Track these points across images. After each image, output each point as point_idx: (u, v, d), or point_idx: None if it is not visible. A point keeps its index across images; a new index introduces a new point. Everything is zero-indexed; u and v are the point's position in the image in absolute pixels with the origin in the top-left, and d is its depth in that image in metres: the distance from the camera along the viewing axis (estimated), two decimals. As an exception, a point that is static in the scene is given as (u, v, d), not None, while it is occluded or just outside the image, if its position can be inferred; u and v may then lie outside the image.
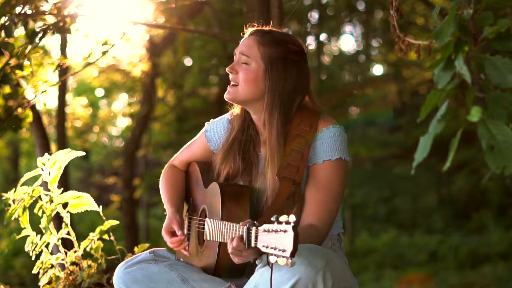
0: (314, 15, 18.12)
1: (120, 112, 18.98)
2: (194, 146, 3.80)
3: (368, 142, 21.02)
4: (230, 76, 3.39)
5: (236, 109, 3.56)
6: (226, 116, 3.67)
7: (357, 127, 21.30)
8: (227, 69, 3.39)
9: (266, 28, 3.47)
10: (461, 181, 16.98)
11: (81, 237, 4.28)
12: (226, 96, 3.42)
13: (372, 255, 15.50)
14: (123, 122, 20.04)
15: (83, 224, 16.88)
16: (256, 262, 3.01)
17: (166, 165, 3.87)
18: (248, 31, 3.46)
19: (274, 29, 3.51)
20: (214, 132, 3.68)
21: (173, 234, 3.47)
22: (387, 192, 19.41)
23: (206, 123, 3.76)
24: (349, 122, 21.09)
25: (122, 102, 20.75)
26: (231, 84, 3.39)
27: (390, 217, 18.36)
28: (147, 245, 4.20)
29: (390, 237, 16.59)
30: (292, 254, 2.56)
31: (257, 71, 3.34)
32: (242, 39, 3.45)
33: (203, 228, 3.44)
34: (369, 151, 20.30)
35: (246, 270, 3.29)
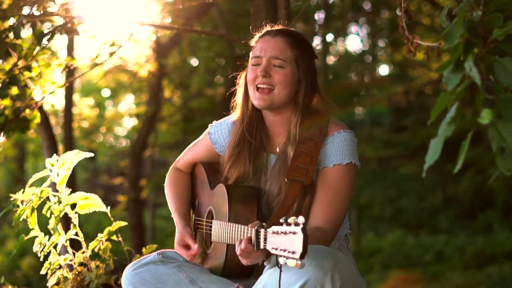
0: (320, 16, 18.13)
1: (127, 113, 18.98)
2: (198, 148, 3.79)
3: (374, 142, 21.02)
4: (260, 79, 3.32)
5: (237, 112, 3.56)
6: (230, 117, 3.66)
7: (363, 127, 21.30)
8: (260, 73, 3.31)
9: (282, 28, 3.46)
10: (467, 181, 16.97)
11: (87, 238, 4.28)
12: (260, 104, 3.35)
13: (378, 255, 15.49)
14: (130, 123, 20.06)
15: (89, 224, 16.91)
16: (265, 263, 3.01)
17: (170, 169, 3.86)
18: (269, 32, 3.42)
19: (289, 28, 3.51)
20: (219, 134, 3.68)
21: (186, 247, 3.46)
22: (393, 192, 19.39)
23: (209, 125, 3.75)
24: (355, 123, 21.10)
25: (128, 103, 20.78)
26: (263, 88, 3.32)
27: (396, 217, 18.34)
28: (155, 246, 4.20)
29: (396, 237, 16.58)
30: (302, 256, 2.56)
31: (293, 73, 3.33)
32: (262, 40, 3.40)
33: (210, 230, 3.44)
34: (375, 151, 20.29)
35: (254, 271, 3.29)
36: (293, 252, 2.58)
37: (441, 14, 2.55)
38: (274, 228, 2.69)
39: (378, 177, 20.41)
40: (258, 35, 3.47)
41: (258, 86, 3.34)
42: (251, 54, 3.45)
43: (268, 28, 3.47)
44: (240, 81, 3.52)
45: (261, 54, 3.35)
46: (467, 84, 2.11)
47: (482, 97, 2.08)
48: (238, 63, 3.64)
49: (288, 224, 2.62)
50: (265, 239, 2.74)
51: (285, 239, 2.62)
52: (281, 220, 2.65)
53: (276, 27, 3.47)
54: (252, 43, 3.48)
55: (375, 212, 18.75)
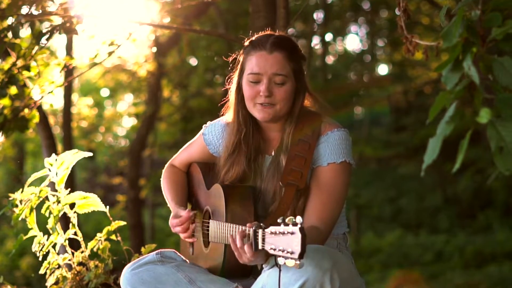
0: (319, 15, 18.12)
1: (126, 112, 18.97)
2: (193, 148, 3.79)
3: (374, 142, 21.03)
4: (263, 98, 3.30)
5: (230, 116, 3.54)
6: (224, 118, 3.65)
7: (362, 127, 21.30)
8: (263, 93, 3.28)
9: (273, 37, 3.39)
10: (467, 180, 16.96)
11: (87, 237, 4.28)
12: (264, 117, 3.34)
13: (377, 255, 15.48)
14: (129, 122, 20.06)
15: (89, 224, 16.90)
16: (263, 265, 3.01)
17: (167, 165, 3.86)
18: (262, 45, 3.35)
19: (281, 34, 3.47)
20: (213, 135, 3.68)
21: (179, 217, 3.44)
22: (393, 192, 19.39)
23: (203, 126, 3.74)
24: (354, 123, 21.10)
25: (127, 102, 20.77)
26: (265, 105, 3.31)
27: (395, 217, 18.33)
28: (154, 245, 4.20)
29: (396, 237, 16.57)
30: (301, 256, 2.55)
31: (292, 88, 3.34)
32: (259, 56, 3.35)
33: (208, 230, 3.43)
34: (374, 151, 20.30)
35: (253, 271, 3.30)
36: (292, 252, 2.57)
37: (440, 14, 2.55)
38: (272, 228, 2.69)
39: (378, 177, 20.41)
40: (249, 45, 3.41)
41: (259, 103, 3.33)
42: (245, 67, 3.40)
43: (256, 37, 3.43)
44: (232, 87, 3.50)
45: (261, 71, 3.32)
46: (465, 83, 2.11)
47: (480, 96, 2.08)
48: (230, 68, 3.60)
49: (286, 224, 2.62)
50: (263, 239, 2.74)
51: (284, 239, 2.62)
52: (278, 220, 2.65)
53: (267, 36, 3.41)
54: (245, 51, 3.43)
55: (375, 212, 18.74)
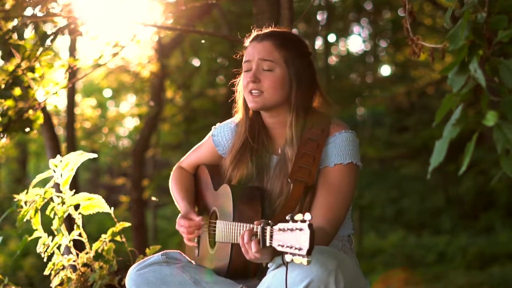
0: (322, 16, 18.09)
1: (129, 113, 18.95)
2: (202, 150, 3.81)
3: (376, 143, 20.98)
4: (251, 85, 3.35)
5: (240, 114, 3.57)
6: (233, 119, 3.67)
7: (365, 128, 21.27)
8: (249, 78, 3.34)
9: (272, 30, 3.47)
10: (469, 181, 16.93)
11: (90, 238, 4.29)
12: (253, 106, 3.38)
13: (380, 256, 15.47)
14: (132, 123, 20.03)
15: (92, 224, 16.90)
16: (268, 265, 3.02)
17: (175, 167, 3.88)
18: (256, 36, 3.44)
19: (278, 29, 3.51)
20: (222, 136, 3.69)
21: (189, 220, 3.47)
22: (395, 192, 19.35)
23: (213, 127, 3.76)
24: (357, 123, 21.08)
25: (130, 103, 20.76)
26: (254, 93, 3.35)
27: (398, 218, 18.31)
28: (158, 246, 4.21)
29: (398, 237, 16.55)
30: (309, 252, 2.55)
31: (282, 75, 3.34)
32: (251, 45, 3.42)
33: (214, 231, 3.44)
34: (377, 151, 20.26)
35: (258, 272, 3.30)
36: (300, 249, 2.58)
37: (445, 16, 2.55)
38: (281, 225, 2.70)
39: (380, 178, 20.38)
40: (248, 39, 3.49)
41: (249, 90, 3.36)
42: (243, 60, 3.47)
43: (256, 32, 3.49)
44: (238, 86, 3.54)
45: (250, 58, 3.38)
46: (471, 85, 2.11)
47: (486, 99, 2.09)
48: (234, 70, 3.64)
49: (295, 221, 2.63)
50: (271, 236, 2.75)
51: (292, 236, 2.62)
52: (287, 217, 2.65)
53: (266, 30, 3.48)
54: (245, 45, 3.50)
55: (377, 213, 18.71)
